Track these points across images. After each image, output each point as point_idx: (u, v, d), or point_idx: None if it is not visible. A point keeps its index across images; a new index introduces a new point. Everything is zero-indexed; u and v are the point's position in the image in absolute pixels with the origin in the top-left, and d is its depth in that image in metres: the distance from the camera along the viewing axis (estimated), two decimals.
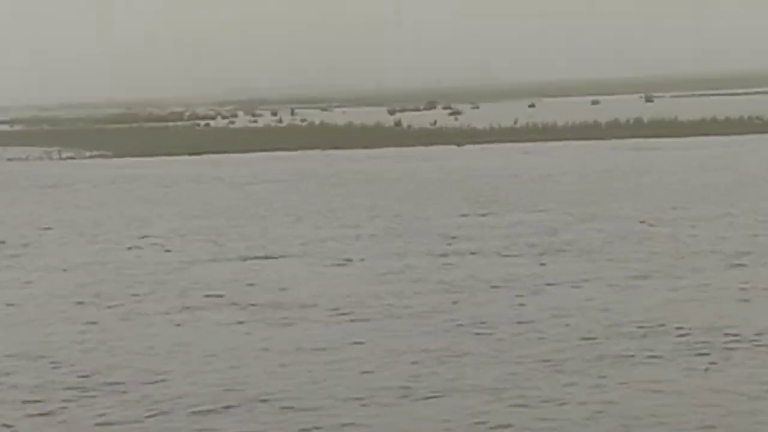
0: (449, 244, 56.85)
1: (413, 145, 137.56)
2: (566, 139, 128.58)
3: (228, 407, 28.07)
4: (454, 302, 39.07)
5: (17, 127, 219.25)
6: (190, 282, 50.98)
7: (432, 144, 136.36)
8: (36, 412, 27.36)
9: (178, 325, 41.61)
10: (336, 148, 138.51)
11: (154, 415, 31.46)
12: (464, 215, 68.61)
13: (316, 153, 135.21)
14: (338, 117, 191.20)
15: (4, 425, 27.21)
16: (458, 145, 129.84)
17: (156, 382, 31.00)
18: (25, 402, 28.09)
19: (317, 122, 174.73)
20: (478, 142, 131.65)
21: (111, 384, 31.00)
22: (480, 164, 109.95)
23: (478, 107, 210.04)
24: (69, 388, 30.15)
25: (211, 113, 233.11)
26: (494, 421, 24.80)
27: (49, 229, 70.39)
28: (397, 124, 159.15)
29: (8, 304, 48.47)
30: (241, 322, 41.89)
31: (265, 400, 29.13)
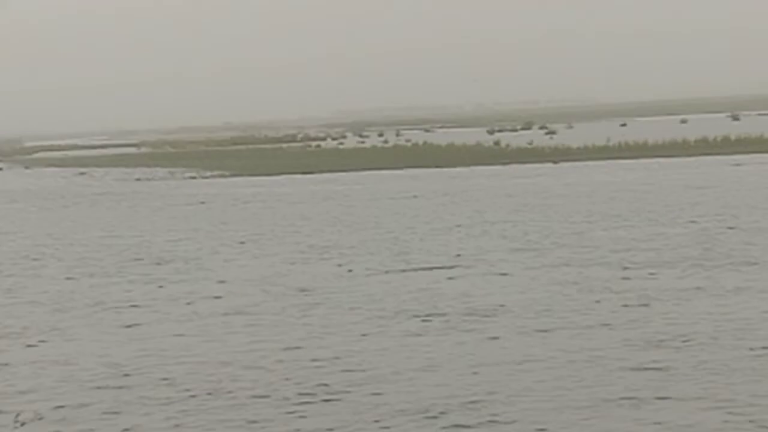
0: (615, 252, 56.26)
1: (510, 163, 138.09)
2: (655, 156, 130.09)
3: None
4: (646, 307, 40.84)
5: (143, 150, 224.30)
6: (368, 293, 54.20)
7: (529, 162, 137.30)
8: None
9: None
10: (438, 166, 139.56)
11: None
12: (610, 227, 67.66)
13: (421, 171, 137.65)
14: (440, 137, 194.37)
15: None
16: (554, 162, 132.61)
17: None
18: None
19: (421, 142, 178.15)
20: (572, 160, 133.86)
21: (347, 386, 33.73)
22: (588, 179, 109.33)
23: (572, 127, 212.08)
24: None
25: (321, 135, 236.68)
26: None
27: (242, 243, 69.47)
28: (496, 143, 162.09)
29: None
30: (442, 331, 44.31)
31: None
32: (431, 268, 59.07)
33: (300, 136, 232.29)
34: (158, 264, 68.04)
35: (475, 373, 34.79)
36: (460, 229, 72.87)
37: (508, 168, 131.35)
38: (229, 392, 32.73)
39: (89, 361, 42.96)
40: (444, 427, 26.99)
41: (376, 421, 27.73)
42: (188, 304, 52.54)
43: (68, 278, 65.50)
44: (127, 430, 28.87)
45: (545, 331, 42.65)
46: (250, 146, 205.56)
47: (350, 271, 56.15)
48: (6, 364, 39.64)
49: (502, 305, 45.07)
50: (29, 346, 42.22)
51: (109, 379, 36.76)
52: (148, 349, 43.38)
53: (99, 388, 34.47)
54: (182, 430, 28.68)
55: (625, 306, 43.44)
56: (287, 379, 34.08)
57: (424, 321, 45.86)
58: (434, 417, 27.91)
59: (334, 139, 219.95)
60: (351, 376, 35.37)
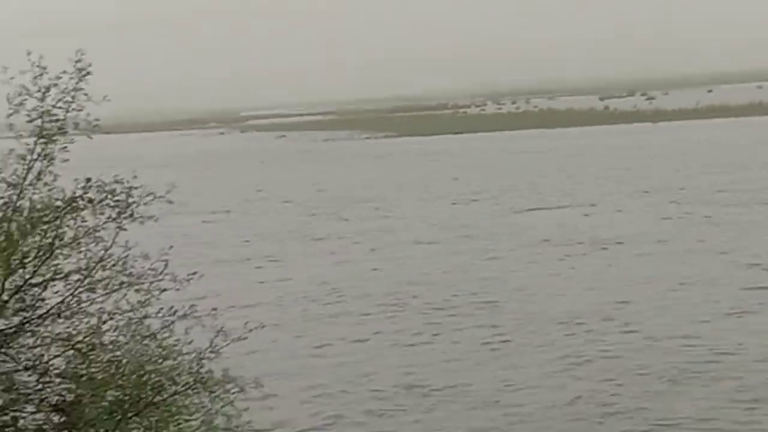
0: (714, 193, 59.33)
1: (617, 123, 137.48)
2: (736, 116, 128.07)
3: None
4: None
5: (329, 117, 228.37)
6: (521, 228, 52.74)
7: (632, 122, 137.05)
8: None
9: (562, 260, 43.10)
10: (560, 127, 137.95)
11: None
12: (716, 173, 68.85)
13: (547, 131, 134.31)
14: (561, 104, 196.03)
15: None
16: (653, 122, 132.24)
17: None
18: None
19: (546, 108, 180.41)
20: (668, 120, 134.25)
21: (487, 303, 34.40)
22: (682, 136, 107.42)
23: (667, 93, 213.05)
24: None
25: (467, 103, 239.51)
26: None
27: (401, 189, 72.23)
28: (606, 108, 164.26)
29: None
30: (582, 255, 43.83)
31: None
32: (564, 207, 59.19)
33: (450, 104, 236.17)
34: (354, 203, 72.54)
35: (603, 289, 36.24)
36: (584, 177, 73.65)
37: (615, 127, 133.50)
38: (411, 303, 35.42)
39: (304, 279, 46.29)
40: (586, 331, 29.60)
41: (531, 330, 29.99)
42: (382, 234, 54.31)
43: (287, 215, 68.98)
44: (335, 339, 31.87)
45: (661, 254, 42.99)
46: (411, 113, 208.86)
47: (497, 207, 58.64)
48: (253, 282, 42.41)
49: (625, 236, 47.08)
50: (258, 267, 45.79)
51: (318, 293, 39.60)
52: (349, 270, 44.68)
53: (312, 300, 37.82)
54: (378, 335, 31.44)
55: (725, 233, 46.12)
56: (455, 295, 36.54)
57: (563, 247, 49.03)
58: (576, 324, 30.38)
59: (477, 106, 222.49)
60: (511, 294, 36.30)
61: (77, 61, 8.73)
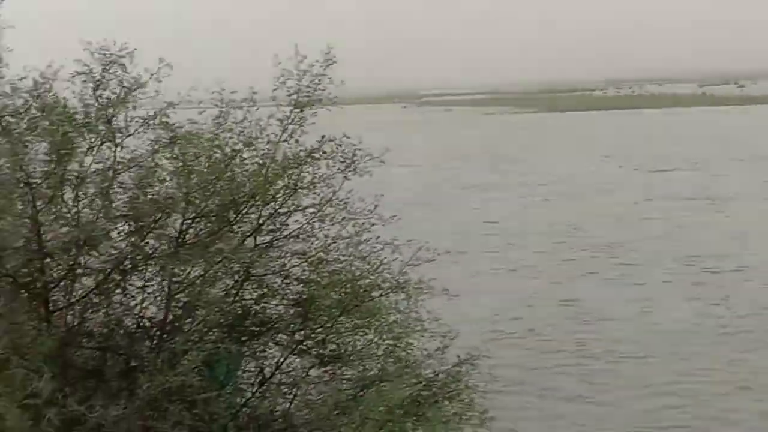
0: None
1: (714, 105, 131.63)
2: None
3: None
4: None
5: (486, 96, 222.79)
6: None
7: (726, 105, 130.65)
8: None
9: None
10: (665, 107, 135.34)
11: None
12: None
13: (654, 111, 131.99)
14: (667, 89, 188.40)
15: None
16: (741, 105, 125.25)
17: None
18: None
19: (656, 93, 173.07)
20: (755, 104, 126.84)
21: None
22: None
23: (756, 83, 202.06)
24: None
25: (592, 87, 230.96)
26: None
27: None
28: (703, 94, 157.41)
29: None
30: None
31: None
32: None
33: (579, 88, 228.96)
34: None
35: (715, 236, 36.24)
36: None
37: (711, 108, 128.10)
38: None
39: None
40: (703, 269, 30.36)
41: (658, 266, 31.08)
42: None
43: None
44: None
45: None
46: (552, 94, 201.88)
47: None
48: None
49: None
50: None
51: None
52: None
53: None
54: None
55: None
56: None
57: (690, 201, 47.24)
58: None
59: (600, 90, 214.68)
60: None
61: (327, 53, 8.83)
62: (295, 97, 8.76)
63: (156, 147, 8.66)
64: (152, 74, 8.48)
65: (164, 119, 8.69)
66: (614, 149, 73.46)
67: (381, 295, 8.98)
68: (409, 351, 9.18)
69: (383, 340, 9.11)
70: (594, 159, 67.89)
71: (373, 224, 9.10)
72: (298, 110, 8.78)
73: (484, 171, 64.08)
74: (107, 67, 8.47)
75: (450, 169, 66.80)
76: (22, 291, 8.39)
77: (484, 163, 69.68)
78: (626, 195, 49.20)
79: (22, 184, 8.07)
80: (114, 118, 8.55)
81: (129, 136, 8.61)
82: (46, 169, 8.31)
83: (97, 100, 8.51)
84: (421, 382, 9.04)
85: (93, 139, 8.52)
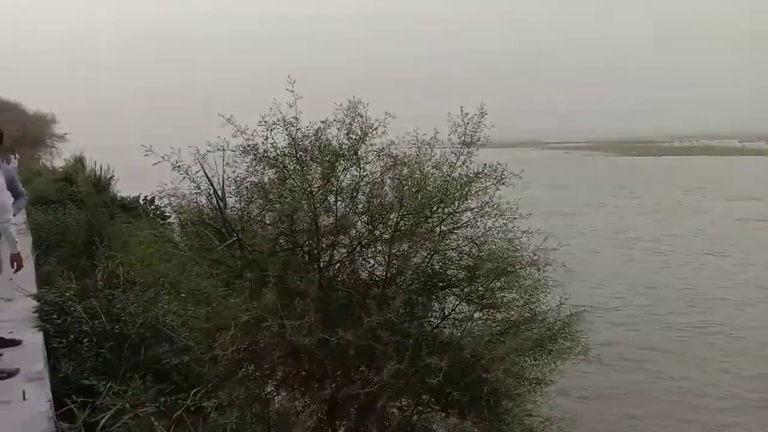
0: None
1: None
2: None
3: None
4: None
5: (588, 144, 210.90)
6: None
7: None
8: None
9: None
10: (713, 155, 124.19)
11: None
12: None
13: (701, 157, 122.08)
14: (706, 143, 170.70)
15: None
16: None
17: None
18: None
19: (702, 145, 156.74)
20: None
21: None
22: None
23: None
24: None
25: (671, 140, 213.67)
26: None
27: None
28: (743, 146, 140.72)
29: None
30: None
31: None
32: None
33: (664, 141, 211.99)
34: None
35: None
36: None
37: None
38: None
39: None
40: None
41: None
42: None
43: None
44: None
45: None
46: (635, 145, 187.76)
47: None
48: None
49: None
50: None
51: None
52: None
53: None
54: None
55: None
56: None
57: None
58: None
59: (679, 142, 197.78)
60: None
61: (481, 110, 8.55)
62: (462, 138, 8.63)
63: (383, 170, 8.82)
64: (380, 122, 8.56)
65: (389, 151, 8.80)
66: (682, 184, 68.06)
67: (520, 268, 8.63)
68: (538, 305, 8.73)
69: (521, 297, 8.69)
70: (672, 190, 63.26)
71: (514, 218, 8.69)
72: (466, 147, 8.64)
73: (596, 193, 61.34)
74: (352, 116, 8.56)
75: (568, 190, 64.32)
76: (306, 256, 8.75)
77: (594, 187, 66.68)
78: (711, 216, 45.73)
79: (306, 192, 8.32)
80: (358, 151, 8.64)
81: (368, 163, 8.78)
82: (319, 183, 8.61)
83: (348, 139, 8.63)
84: (545, 326, 8.59)
85: (346, 164, 8.68)
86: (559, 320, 8.63)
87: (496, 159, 8.74)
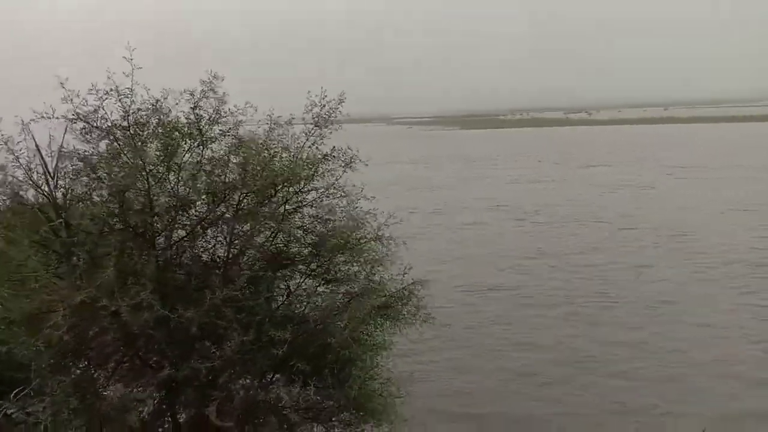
0: None
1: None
2: None
3: None
4: None
5: (436, 118, 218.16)
6: None
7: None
8: None
9: None
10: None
11: None
12: None
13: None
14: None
15: None
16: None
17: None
18: None
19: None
20: None
21: None
22: None
23: None
24: None
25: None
26: None
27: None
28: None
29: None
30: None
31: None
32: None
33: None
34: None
35: None
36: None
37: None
38: None
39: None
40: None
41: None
42: None
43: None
44: None
45: None
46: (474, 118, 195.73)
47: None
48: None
49: None
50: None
51: None
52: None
53: None
54: None
55: None
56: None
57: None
58: None
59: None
60: None
61: (341, 97, 8.98)
62: (315, 119, 8.87)
63: (228, 149, 8.84)
64: (232, 109, 8.63)
65: (234, 132, 8.84)
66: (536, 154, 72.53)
67: (364, 242, 9.11)
68: (380, 276, 9.35)
69: (364, 269, 9.29)
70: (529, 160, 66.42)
71: (359, 199, 9.13)
72: (318, 128, 8.89)
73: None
74: (204, 93, 8.50)
75: (414, 164, 66.47)
76: (139, 237, 8.55)
77: (437, 160, 68.83)
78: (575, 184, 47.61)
79: (141, 169, 8.13)
80: (203, 130, 8.61)
81: (213, 142, 8.79)
82: (156, 160, 8.42)
83: (195, 117, 8.55)
84: (387, 295, 9.19)
85: (190, 143, 8.66)
86: (402, 289, 9.37)
87: (348, 136, 9.19)
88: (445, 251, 26.95)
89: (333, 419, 8.60)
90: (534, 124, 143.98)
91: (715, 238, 27.25)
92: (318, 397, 8.22)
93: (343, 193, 8.98)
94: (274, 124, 8.92)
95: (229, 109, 8.49)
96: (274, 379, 8.91)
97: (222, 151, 8.84)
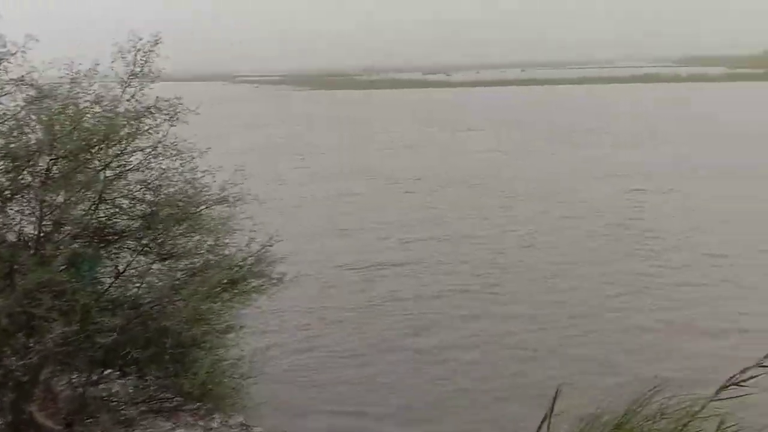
0: None
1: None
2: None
3: None
4: None
5: (285, 78, 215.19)
6: None
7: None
8: None
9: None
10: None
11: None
12: None
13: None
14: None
15: None
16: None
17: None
18: None
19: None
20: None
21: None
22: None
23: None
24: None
25: (361, 73, 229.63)
26: None
27: None
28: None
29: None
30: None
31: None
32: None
33: (355, 73, 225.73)
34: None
35: None
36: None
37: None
38: None
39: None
40: None
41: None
42: None
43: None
44: None
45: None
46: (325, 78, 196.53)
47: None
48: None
49: None
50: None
51: None
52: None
53: None
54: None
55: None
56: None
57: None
58: None
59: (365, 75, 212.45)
60: None
61: (156, 38, 8.21)
62: (131, 68, 8.07)
63: (26, 104, 7.78)
64: (19, 48, 7.58)
65: (31, 81, 7.75)
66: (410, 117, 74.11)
67: (206, 207, 8.52)
68: (226, 246, 8.79)
69: (206, 241, 8.69)
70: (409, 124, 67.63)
71: (193, 158, 8.49)
72: (134, 77, 8.11)
73: (324, 128, 62.31)
74: None
75: (260, 127, 65.13)
76: None
77: (324, 120, 68.25)
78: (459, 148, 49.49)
79: None
80: None
81: (4, 95, 7.71)
82: None
83: None
84: (233, 267, 8.70)
85: None
86: (249, 257, 8.81)
87: (184, 96, 8.43)
88: (319, 225, 25.97)
89: (179, 410, 7.85)
90: (392, 85, 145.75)
91: (593, 200, 28.76)
92: (156, 387, 7.48)
93: (175, 152, 8.27)
94: (76, 73, 8.02)
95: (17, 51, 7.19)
96: (105, 372, 7.99)
97: (17, 106, 7.52)
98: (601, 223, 25.59)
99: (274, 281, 8.84)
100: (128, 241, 8.58)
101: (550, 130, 56.32)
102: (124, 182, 8.44)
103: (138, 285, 8.45)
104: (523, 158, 42.03)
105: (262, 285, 8.74)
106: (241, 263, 8.68)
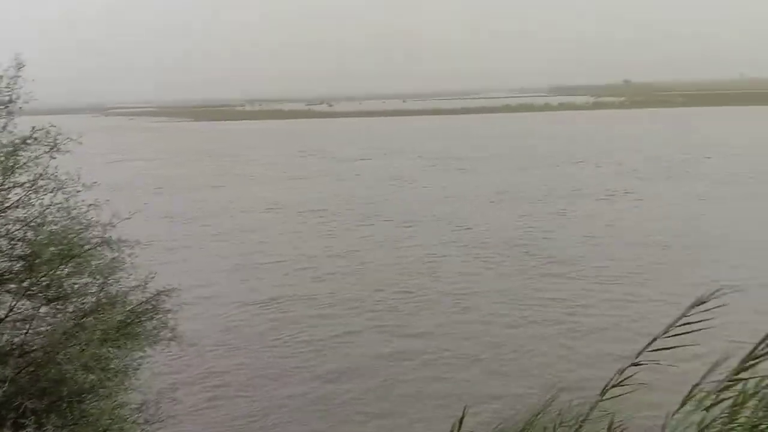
0: None
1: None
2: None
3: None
4: None
5: (158, 109, 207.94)
6: None
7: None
8: None
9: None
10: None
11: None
12: None
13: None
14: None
15: None
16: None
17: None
18: None
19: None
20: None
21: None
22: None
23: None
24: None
25: (243, 104, 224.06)
26: None
27: None
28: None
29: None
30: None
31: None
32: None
33: (238, 105, 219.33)
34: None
35: None
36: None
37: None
38: None
39: None
40: None
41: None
42: None
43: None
44: None
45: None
46: (201, 109, 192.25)
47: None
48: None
49: None
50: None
51: None
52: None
53: None
54: None
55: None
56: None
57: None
58: None
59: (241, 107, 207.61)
60: None
61: (19, 65, 7.71)
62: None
63: None
64: None
65: None
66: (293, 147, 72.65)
67: (90, 248, 8.12)
68: (117, 287, 8.43)
69: (96, 280, 8.29)
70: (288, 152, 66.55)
71: (79, 191, 8.07)
72: (5, 107, 7.61)
73: (181, 165, 60.25)
74: None
75: (135, 159, 62.56)
76: None
77: (177, 157, 65.90)
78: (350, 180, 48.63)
79: None
80: None
81: None
82: None
83: None
84: (128, 309, 8.38)
85: None
86: (144, 302, 8.60)
87: (60, 128, 8.00)
88: (213, 264, 25.08)
89: None
90: (275, 116, 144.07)
91: (486, 224, 29.59)
92: None
93: (57, 184, 7.84)
94: None
95: None
96: None
97: None
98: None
99: (170, 336, 8.51)
100: (10, 285, 8.00)
101: (438, 158, 57.47)
102: (2, 221, 7.92)
103: (25, 331, 7.86)
104: (412, 187, 42.49)
105: (155, 329, 8.38)
106: (136, 305, 8.38)
